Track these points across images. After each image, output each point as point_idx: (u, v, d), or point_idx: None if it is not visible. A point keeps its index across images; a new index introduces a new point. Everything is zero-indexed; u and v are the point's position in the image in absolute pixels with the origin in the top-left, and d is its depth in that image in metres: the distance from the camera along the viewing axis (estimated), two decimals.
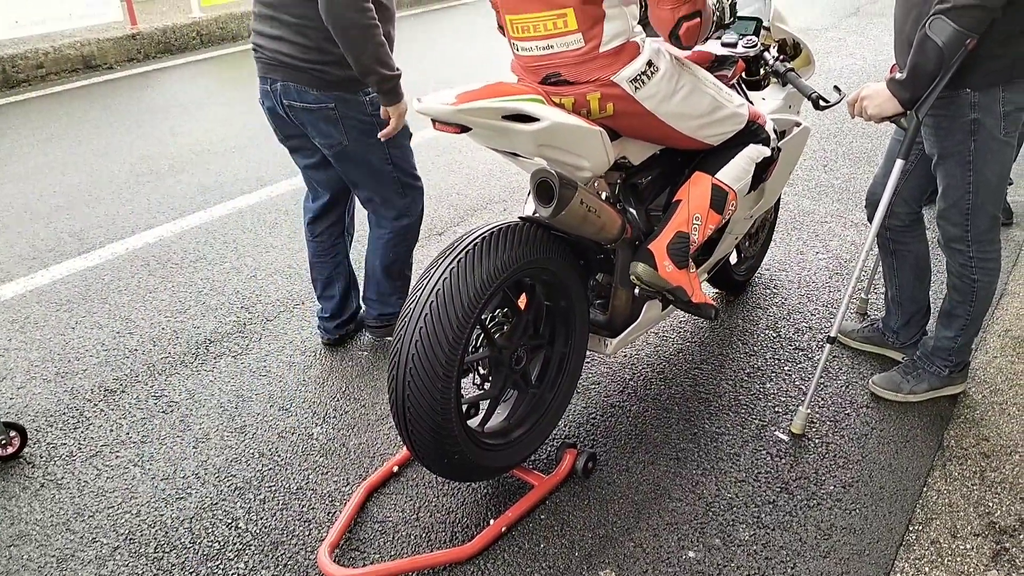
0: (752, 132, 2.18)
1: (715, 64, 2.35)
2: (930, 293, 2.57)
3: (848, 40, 7.17)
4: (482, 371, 2.01)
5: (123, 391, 2.64)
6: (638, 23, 1.95)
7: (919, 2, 2.01)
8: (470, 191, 4.19)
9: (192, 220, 3.93)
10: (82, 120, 5.55)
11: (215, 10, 7.87)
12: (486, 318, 1.97)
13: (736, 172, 2.15)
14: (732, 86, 2.44)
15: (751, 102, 2.51)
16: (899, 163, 2.10)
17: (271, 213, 3.99)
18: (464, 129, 1.75)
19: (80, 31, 7.01)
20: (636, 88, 1.90)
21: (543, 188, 1.81)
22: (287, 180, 4.36)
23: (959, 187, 2.15)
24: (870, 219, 2.46)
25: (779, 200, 3.10)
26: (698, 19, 1.88)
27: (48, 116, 5.67)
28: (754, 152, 2.18)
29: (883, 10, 8.42)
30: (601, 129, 1.89)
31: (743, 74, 2.57)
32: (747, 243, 3.04)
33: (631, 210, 2.20)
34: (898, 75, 2.00)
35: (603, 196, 2.12)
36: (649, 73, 1.90)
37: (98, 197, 4.24)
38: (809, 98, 2.38)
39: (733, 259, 3.00)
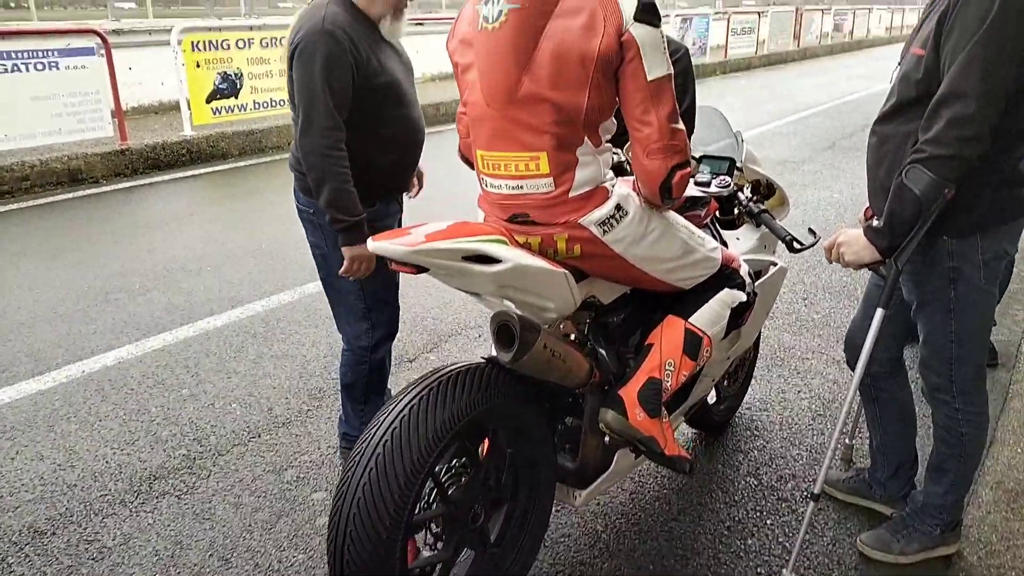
0: (726, 276, 2.12)
1: (687, 204, 2.32)
2: (916, 442, 2.45)
3: (824, 173, 7.34)
4: (435, 529, 1.84)
5: (54, 533, 2.43)
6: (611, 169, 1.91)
7: (892, 149, 1.99)
8: (445, 315, 4.10)
9: (155, 342, 3.80)
10: (60, 234, 5.50)
11: (207, 129, 8.02)
12: (440, 469, 1.82)
13: (711, 316, 2.07)
14: (705, 226, 2.40)
15: (725, 242, 2.46)
16: (879, 312, 2.03)
17: (238, 336, 3.87)
18: (421, 269, 1.66)
19: (69, 145, 7.08)
20: (604, 231, 1.84)
21: (504, 331, 1.72)
22: (260, 300, 4.27)
23: (941, 336, 2.07)
24: (850, 364, 2.37)
25: (759, 337, 3.02)
26: (688, 168, 1.83)
27: (27, 229, 5.62)
28: (729, 297, 2.11)
29: (858, 144, 8.71)
30: (566, 271, 1.81)
31: (717, 213, 2.54)
32: (726, 382, 2.93)
33: (601, 350, 2.10)
34: (875, 222, 1.95)
35: (571, 337, 2.03)
36: (618, 217, 1.84)
37: (63, 315, 4.11)
38: (783, 240, 2.35)
39: (712, 398, 2.88)
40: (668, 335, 2.04)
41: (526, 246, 1.89)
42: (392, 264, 1.67)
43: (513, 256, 1.70)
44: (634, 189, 1.93)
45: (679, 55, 2.32)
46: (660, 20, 1.75)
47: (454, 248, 1.64)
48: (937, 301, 2.03)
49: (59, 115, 6.85)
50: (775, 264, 2.64)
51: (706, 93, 13.23)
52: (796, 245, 2.36)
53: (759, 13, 18.50)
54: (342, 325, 2.55)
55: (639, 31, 1.70)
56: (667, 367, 2.00)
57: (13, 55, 6.48)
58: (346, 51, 2.15)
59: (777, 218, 2.62)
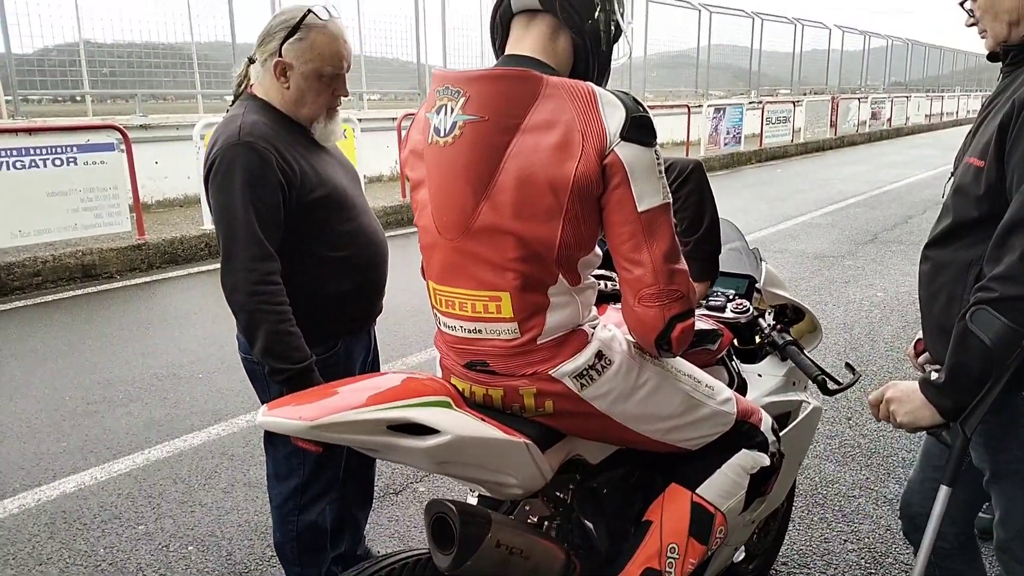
0: (743, 434, 1.71)
1: (693, 340, 1.93)
2: None
3: (867, 269, 6.89)
4: None
5: None
6: (593, 308, 1.55)
7: (950, 280, 1.60)
8: None
9: (123, 464, 3.46)
10: (59, 335, 5.29)
11: None
12: None
13: (724, 487, 1.66)
14: (720, 361, 2.01)
15: (744, 381, 2.06)
16: (944, 491, 1.59)
17: (214, 458, 3.51)
18: (330, 447, 1.30)
19: (85, 240, 7.00)
20: (582, 386, 1.46)
21: (441, 526, 1.33)
22: (245, 416, 3.93)
23: (1022, 514, 1.62)
24: (907, 536, 1.91)
25: (794, 483, 2.56)
26: (692, 318, 1.47)
27: (27, 329, 5.43)
28: (747, 461, 1.69)
29: (901, 237, 8.26)
30: (527, 441, 1.43)
31: (734, 342, 2.15)
32: (755, 536, 2.47)
33: (589, 524, 1.69)
34: (934, 374, 1.54)
35: (540, 522, 1.61)
36: (599, 368, 1.47)
37: (35, 429, 3.82)
38: (814, 380, 1.94)
39: (739, 556, 2.42)
40: (671, 511, 1.63)
41: (486, 400, 1.52)
42: (293, 440, 1.31)
43: (454, 425, 1.33)
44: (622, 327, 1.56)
45: (689, 171, 1.98)
46: (655, 138, 1.41)
47: (372, 418, 1.27)
48: (1016, 473, 1.60)
49: (75, 210, 6.78)
50: (807, 403, 2.22)
51: (742, 182, 12.99)
52: (831, 385, 1.96)
53: (794, 103, 18.38)
54: (269, 479, 2.14)
55: (627, 152, 1.36)
56: (669, 553, 1.59)
57: (32, 151, 6.47)
58: (271, 165, 1.83)
59: (807, 347, 2.21)
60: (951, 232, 1.62)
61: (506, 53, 1.52)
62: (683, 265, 1.44)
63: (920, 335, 1.91)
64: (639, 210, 1.38)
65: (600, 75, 1.53)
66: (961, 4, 1.64)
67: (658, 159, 1.40)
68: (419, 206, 1.55)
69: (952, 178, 1.69)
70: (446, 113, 1.44)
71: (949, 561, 1.87)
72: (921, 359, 1.91)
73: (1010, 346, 1.40)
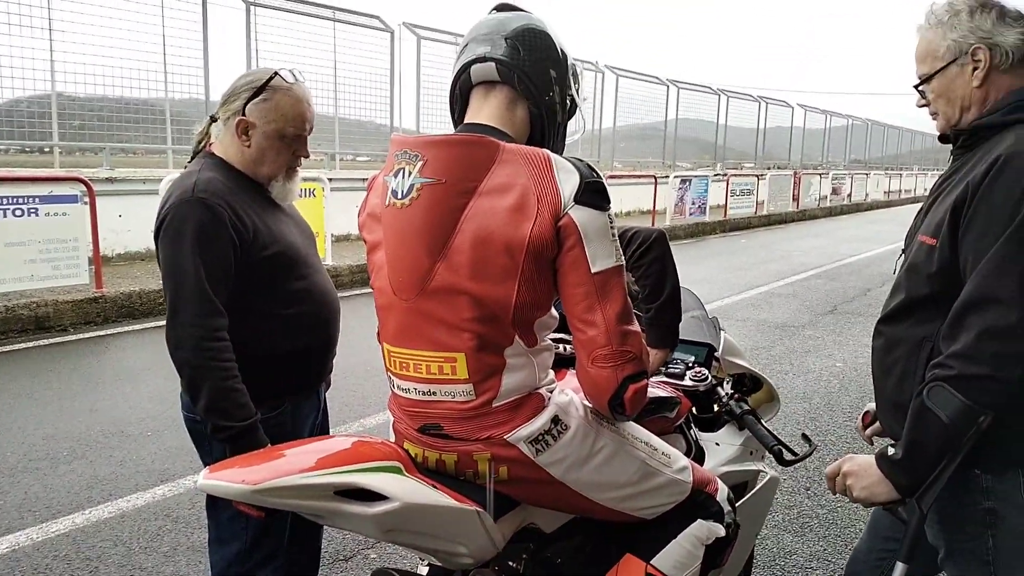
0: (699, 504, 1.69)
1: (652, 405, 1.92)
2: None
3: (826, 339, 6.99)
4: None
5: None
6: (550, 371, 1.54)
7: (903, 356, 1.61)
8: None
9: (62, 524, 3.31)
10: (3, 388, 5.11)
11: None
12: None
13: (679, 557, 1.63)
14: (678, 428, 2.00)
15: (701, 449, 2.05)
16: (900, 567, 1.57)
17: (157, 519, 3.38)
18: (273, 512, 1.25)
19: (40, 291, 6.84)
20: (538, 451, 1.44)
21: None
22: (192, 476, 3.79)
23: None
24: None
25: (751, 554, 2.53)
26: (645, 380, 1.46)
27: None
28: (702, 531, 1.67)
29: (860, 309, 8.42)
30: (478, 509, 1.39)
31: (693, 409, 2.14)
32: None
33: None
34: (891, 451, 1.54)
35: None
36: (555, 433, 1.45)
37: None
38: (770, 450, 1.94)
39: None
40: None
41: (439, 465, 1.48)
42: (236, 504, 1.26)
43: (403, 492, 1.29)
44: (579, 393, 1.55)
45: (652, 240, 2.00)
46: (608, 202, 1.43)
47: (318, 483, 1.23)
48: (970, 552, 1.58)
49: (33, 261, 6.65)
50: (764, 472, 2.21)
51: (707, 251, 13.21)
52: (787, 456, 1.95)
53: (758, 176, 18.90)
54: (211, 544, 2.05)
55: (581, 215, 1.38)
56: None
57: None
58: (224, 223, 1.81)
59: (765, 417, 2.22)
60: (904, 308, 1.64)
61: (465, 122, 1.55)
62: (636, 327, 1.45)
63: (868, 407, 1.93)
64: (592, 271, 1.39)
65: (556, 144, 1.57)
66: (916, 87, 1.70)
67: (611, 223, 1.43)
68: (375, 267, 1.55)
69: (903, 255, 1.73)
70: (404, 176, 1.46)
71: None
72: (869, 431, 1.93)
73: (967, 424, 1.41)
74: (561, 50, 1.55)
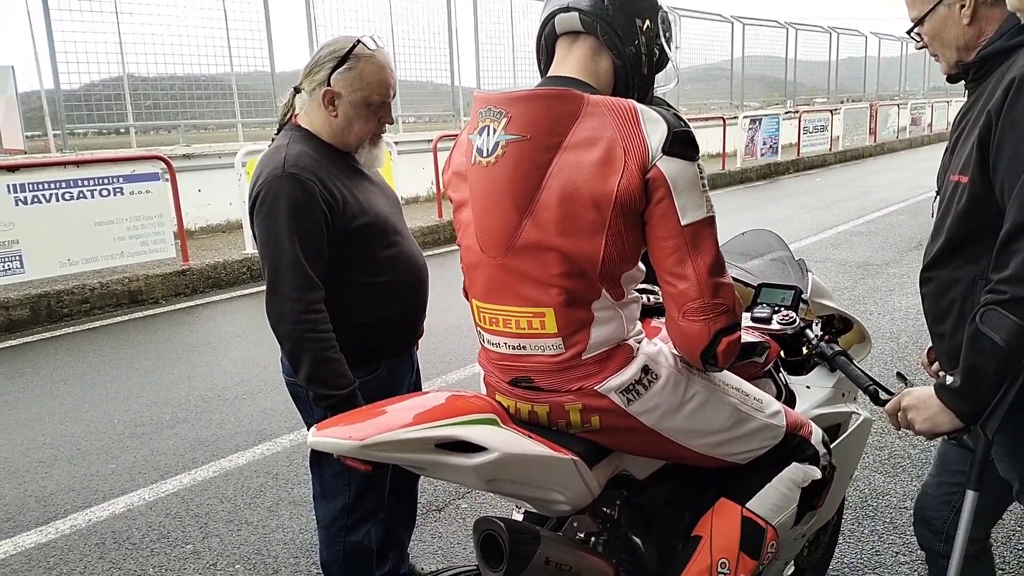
0: (794, 447, 1.67)
1: (741, 351, 1.90)
2: None
3: (911, 277, 6.73)
4: None
5: None
6: (638, 321, 1.54)
7: (958, 297, 1.59)
8: None
9: (171, 484, 3.52)
10: (106, 360, 5.41)
11: None
12: None
13: (775, 501, 1.62)
14: (767, 374, 1.97)
15: (792, 393, 2.02)
16: (970, 496, 1.55)
17: (259, 476, 3.55)
18: (379, 466, 1.30)
19: (131, 267, 7.16)
20: (628, 401, 1.45)
21: (490, 543, 1.32)
22: (289, 435, 3.97)
23: None
24: (922, 544, 1.89)
25: (843, 496, 2.50)
26: (738, 331, 1.45)
27: (75, 354, 5.57)
28: (798, 474, 1.66)
29: None
30: (574, 458, 1.42)
31: (781, 353, 2.11)
32: (804, 551, 2.41)
33: (637, 540, 1.67)
34: (949, 379, 1.51)
35: (587, 537, 1.60)
36: (645, 382, 1.46)
37: (85, 452, 3.90)
38: (865, 391, 1.89)
39: (788, 570, 2.36)
40: (720, 526, 1.60)
41: (531, 416, 1.51)
42: (342, 459, 1.32)
43: (501, 443, 1.32)
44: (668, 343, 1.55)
45: None
46: (697, 152, 1.40)
47: (420, 437, 1.27)
48: None
49: (122, 238, 6.96)
50: (857, 414, 2.17)
51: (781, 192, 12.83)
52: (882, 396, 1.90)
53: (831, 111, 18.14)
54: (316, 499, 2.15)
55: (669, 166, 1.36)
56: (720, 569, 1.56)
57: (80, 183, 6.66)
58: (315, 197, 1.85)
59: (857, 358, 2.17)
60: (948, 250, 1.61)
61: (549, 74, 1.54)
62: (728, 279, 1.43)
63: (932, 344, 1.90)
64: (683, 223, 1.38)
65: (641, 97, 1.53)
66: (909, 32, 1.67)
67: (701, 173, 1.40)
68: (462, 226, 1.56)
69: (937, 196, 1.70)
70: (489, 134, 1.46)
71: (964, 568, 1.82)
72: (935, 366, 1.90)
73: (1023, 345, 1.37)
74: None
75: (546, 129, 1.40)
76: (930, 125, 23.39)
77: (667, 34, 1.53)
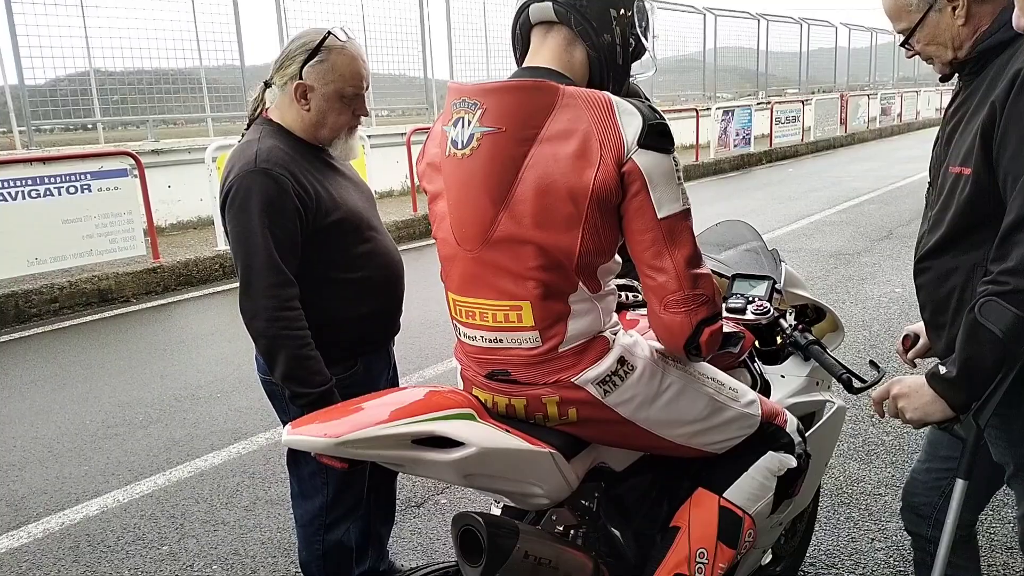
0: (769, 436, 1.69)
1: None
2: None
3: (883, 265, 6.84)
4: None
5: None
6: (613, 313, 1.54)
7: (959, 284, 1.59)
8: None
9: (145, 485, 3.47)
10: (77, 360, 5.32)
11: None
12: None
13: (752, 490, 1.64)
14: (743, 363, 1.99)
15: (767, 382, 2.04)
16: (960, 484, 1.57)
17: (235, 476, 3.52)
18: (355, 463, 1.29)
19: (100, 265, 7.04)
20: (605, 392, 1.45)
21: (468, 538, 1.31)
22: (265, 434, 3.93)
23: None
24: (907, 528, 1.91)
25: (819, 486, 2.53)
26: (719, 321, 1.46)
27: (44, 355, 5.47)
28: (773, 463, 1.67)
29: (917, 232, 8.18)
30: (552, 451, 1.42)
31: (756, 343, 2.13)
32: (782, 539, 2.43)
33: (616, 532, 1.67)
34: (943, 369, 1.52)
35: (566, 530, 1.60)
36: (621, 373, 1.46)
37: (57, 454, 3.83)
38: (839, 379, 1.91)
39: (766, 558, 2.39)
40: (698, 516, 1.61)
41: (508, 410, 1.51)
42: (318, 457, 1.30)
43: (478, 437, 1.32)
44: (643, 333, 1.55)
45: None
46: (672, 144, 1.40)
47: (396, 433, 1.26)
48: None
49: (90, 236, 6.84)
50: (831, 402, 2.19)
51: (754, 183, 12.93)
52: (856, 384, 1.92)
53: (803, 102, 18.30)
54: (294, 498, 2.13)
55: (645, 159, 1.36)
56: (698, 558, 1.57)
57: (46, 180, 6.53)
58: (288, 192, 1.82)
59: (830, 347, 2.19)
60: (948, 240, 1.61)
61: (523, 65, 1.53)
62: (706, 269, 1.43)
63: (908, 329, 1.97)
64: (659, 216, 1.38)
65: (617, 88, 1.51)
66: (903, 44, 1.67)
67: (676, 166, 1.40)
68: (437, 218, 1.55)
69: (931, 187, 1.71)
70: (463, 125, 1.44)
71: (951, 552, 1.85)
72: (911, 354, 1.94)
73: (1022, 336, 1.39)
74: None
75: (521, 121, 1.39)
76: (900, 115, 23.69)
77: (643, 23, 1.52)
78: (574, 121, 1.37)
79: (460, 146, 1.45)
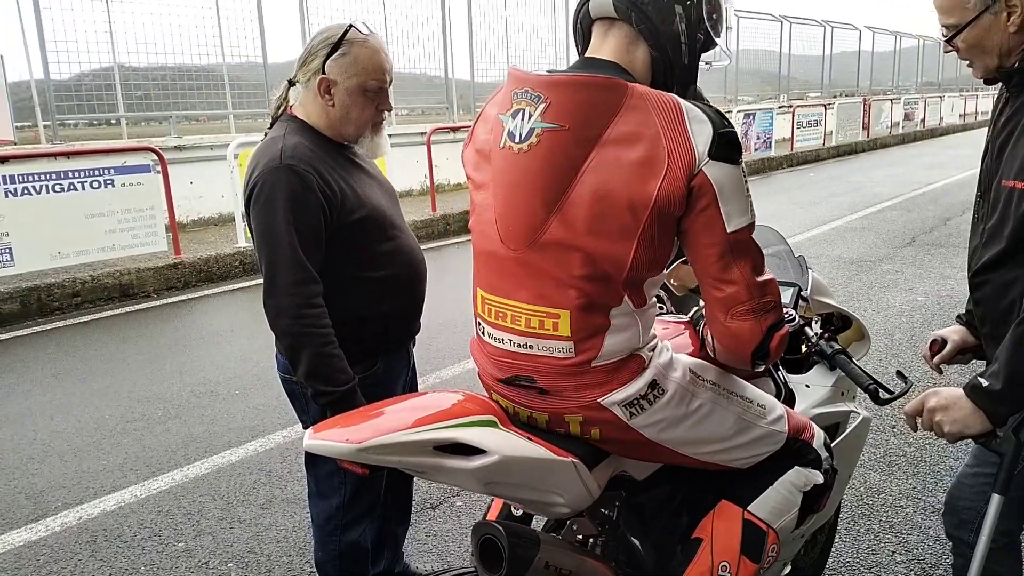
0: (796, 451, 1.65)
1: None
2: None
3: (906, 272, 6.75)
4: None
5: None
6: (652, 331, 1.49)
7: (1019, 295, 1.55)
8: None
9: (163, 481, 3.49)
10: (98, 354, 5.36)
11: None
12: None
13: (777, 504, 1.61)
14: (767, 372, 1.95)
15: (791, 392, 2.00)
16: (996, 499, 1.54)
17: (252, 473, 3.52)
18: (376, 468, 1.28)
19: (122, 260, 7.09)
20: (631, 415, 1.41)
21: (488, 547, 1.30)
22: (282, 432, 3.94)
23: None
24: (949, 531, 1.88)
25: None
26: (786, 325, 1.42)
27: (65, 348, 5.51)
28: (800, 478, 1.64)
29: (940, 239, 8.08)
30: (575, 460, 1.39)
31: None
32: (802, 551, 2.40)
33: (636, 542, 1.65)
34: (985, 383, 1.49)
35: (586, 540, 1.58)
36: (651, 397, 1.41)
37: (76, 448, 3.86)
38: (866, 390, 1.87)
39: (785, 570, 2.35)
40: (721, 528, 1.58)
41: (530, 420, 1.48)
42: (338, 462, 1.29)
43: (500, 445, 1.30)
44: (677, 345, 1.51)
45: None
46: (741, 153, 1.34)
47: (418, 440, 1.25)
48: None
49: (112, 231, 6.89)
50: (856, 413, 2.15)
51: (774, 187, 12.82)
52: (883, 395, 1.88)
53: (825, 106, 18.14)
54: (311, 498, 2.13)
55: (716, 172, 1.30)
56: (720, 571, 1.55)
57: (70, 174, 6.59)
58: (313, 189, 1.81)
59: (856, 356, 2.15)
60: (1007, 254, 1.58)
61: (586, 55, 1.46)
62: (770, 274, 1.40)
63: (935, 335, 1.93)
64: (728, 231, 1.33)
65: (682, 91, 1.43)
66: (948, 41, 1.62)
67: (744, 176, 1.35)
68: (478, 208, 1.49)
69: (981, 198, 1.67)
70: (524, 118, 1.38)
71: (989, 562, 1.81)
72: (937, 359, 1.91)
73: None
74: None
75: (585, 120, 1.32)
76: (923, 121, 23.43)
77: (714, 16, 1.43)
78: (641, 125, 1.30)
79: (518, 139, 1.38)
